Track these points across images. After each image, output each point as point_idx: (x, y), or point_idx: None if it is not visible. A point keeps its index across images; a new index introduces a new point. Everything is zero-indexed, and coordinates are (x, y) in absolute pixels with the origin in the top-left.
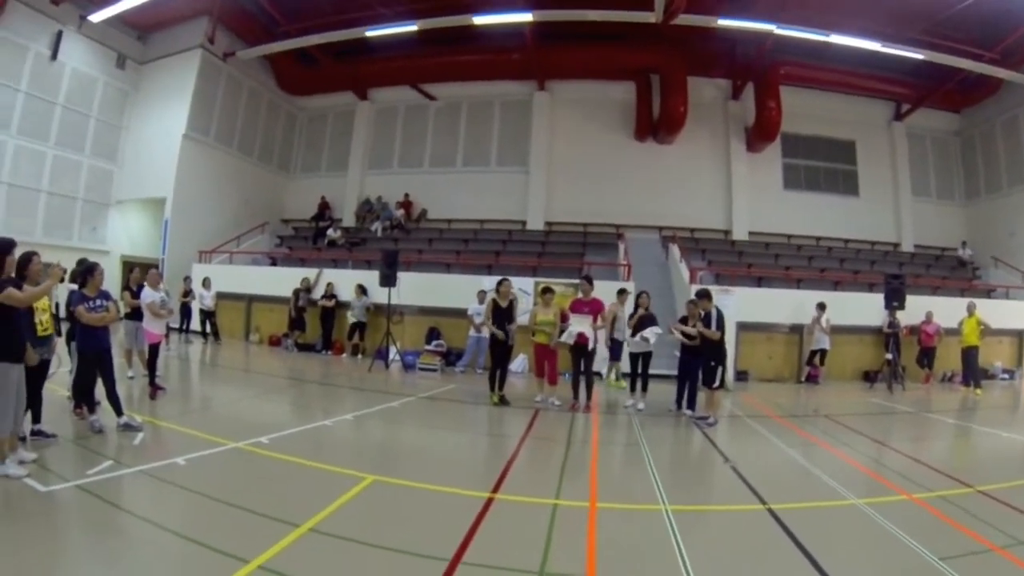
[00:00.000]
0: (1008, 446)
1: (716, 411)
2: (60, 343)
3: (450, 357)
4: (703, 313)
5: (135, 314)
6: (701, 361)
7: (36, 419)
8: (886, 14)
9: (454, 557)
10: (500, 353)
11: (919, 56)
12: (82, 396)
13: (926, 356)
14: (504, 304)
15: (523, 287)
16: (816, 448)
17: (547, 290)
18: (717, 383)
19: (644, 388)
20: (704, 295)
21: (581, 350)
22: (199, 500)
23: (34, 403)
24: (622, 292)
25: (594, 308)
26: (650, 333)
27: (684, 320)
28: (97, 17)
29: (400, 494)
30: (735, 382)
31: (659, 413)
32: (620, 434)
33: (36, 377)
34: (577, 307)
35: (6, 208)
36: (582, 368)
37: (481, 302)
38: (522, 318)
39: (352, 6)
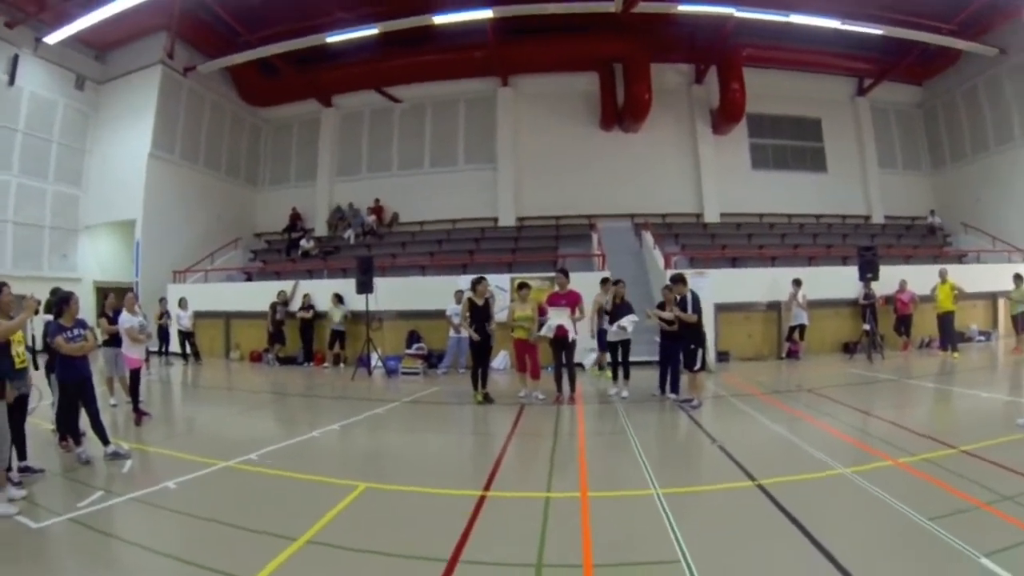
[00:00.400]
0: (988, 406)
1: (700, 393)
2: (39, 376)
3: (431, 359)
4: (679, 297)
5: (113, 341)
6: (681, 345)
7: (21, 456)
8: None
9: (452, 557)
10: (480, 351)
11: (879, 31)
12: (67, 428)
13: (903, 324)
14: (480, 302)
15: (499, 284)
16: (801, 422)
17: (523, 285)
18: (698, 365)
19: (626, 376)
20: (678, 279)
21: (561, 343)
22: (193, 522)
23: (18, 440)
24: (605, 281)
25: (571, 300)
26: (627, 322)
27: (661, 306)
28: (53, 38)
29: (393, 499)
30: (716, 363)
31: (643, 399)
32: (606, 423)
33: (17, 413)
34: (554, 300)
35: None
36: (563, 360)
37: (458, 302)
38: (500, 315)
39: (312, 13)
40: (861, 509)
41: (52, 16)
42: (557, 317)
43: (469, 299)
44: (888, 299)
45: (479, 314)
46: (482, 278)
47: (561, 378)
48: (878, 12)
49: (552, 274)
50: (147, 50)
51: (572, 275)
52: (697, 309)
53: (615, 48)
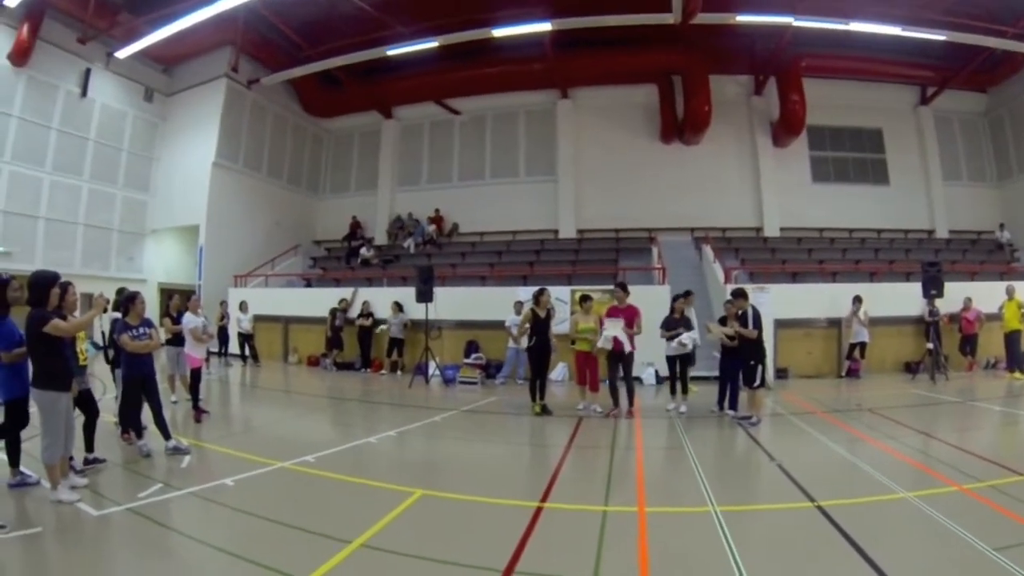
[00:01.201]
0: None
1: (759, 410)
2: (104, 370)
3: (490, 369)
4: (740, 312)
5: (176, 340)
6: (740, 361)
7: (89, 448)
8: None
9: (507, 568)
10: (539, 363)
11: (941, 37)
12: (129, 422)
13: (968, 343)
14: (543, 314)
15: (559, 296)
16: (861, 443)
17: (586, 298)
18: (758, 382)
19: (684, 391)
20: (740, 294)
21: (617, 356)
22: (249, 520)
23: (88, 432)
24: (688, 294)
25: (628, 315)
26: (687, 339)
27: (723, 320)
28: (123, 53)
29: (449, 507)
30: (775, 380)
31: (701, 415)
32: (664, 438)
33: (88, 407)
34: (612, 313)
35: (45, 241)
36: (620, 373)
37: (518, 313)
38: (561, 327)
39: (372, 27)
40: (923, 535)
41: (122, 32)
42: (612, 329)
43: (532, 310)
44: (953, 317)
45: (541, 325)
46: (544, 289)
47: (617, 391)
48: (939, 17)
49: (612, 287)
50: (212, 64)
51: (632, 288)
52: (758, 325)
53: (673, 60)
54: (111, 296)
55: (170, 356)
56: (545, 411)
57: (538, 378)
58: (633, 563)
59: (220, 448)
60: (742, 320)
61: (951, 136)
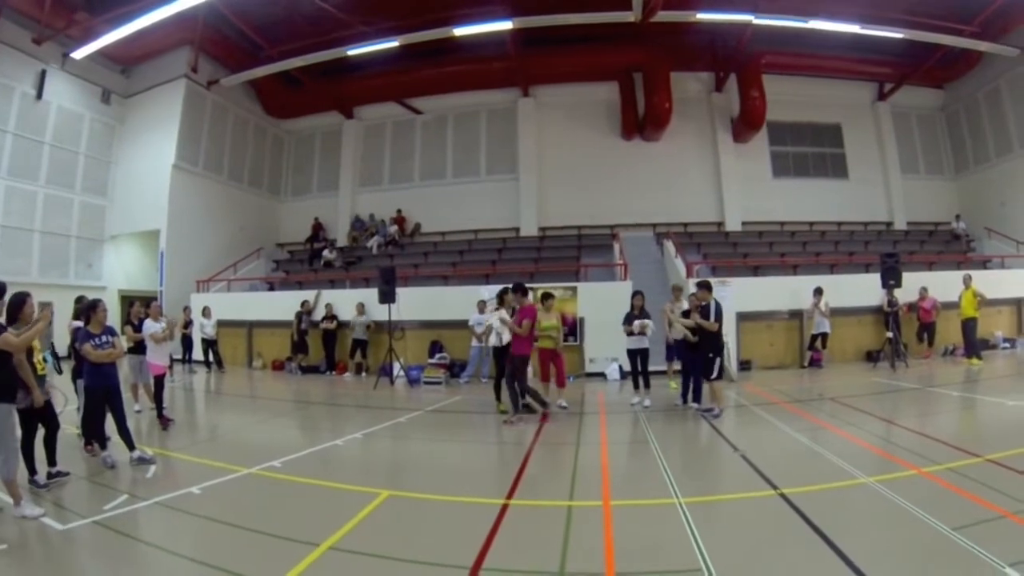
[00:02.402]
0: (1013, 414)
1: (720, 402)
2: (65, 381)
3: (454, 369)
4: (702, 304)
5: (138, 348)
6: (699, 354)
7: (51, 461)
8: None
9: (474, 564)
10: (503, 361)
11: (899, 35)
12: (92, 433)
13: (926, 331)
14: (510, 313)
15: None
16: (823, 431)
17: (548, 295)
18: (715, 374)
19: (647, 385)
20: (704, 286)
21: (502, 351)
22: (217, 527)
23: (49, 445)
24: (676, 289)
25: (522, 314)
26: (637, 326)
27: (686, 313)
28: (80, 54)
29: (416, 507)
30: (739, 372)
31: (666, 409)
32: (628, 432)
33: (48, 420)
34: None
35: (0, 249)
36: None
37: (481, 312)
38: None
39: (333, 26)
40: (884, 518)
41: (79, 32)
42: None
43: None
44: (912, 306)
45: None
46: (507, 288)
47: (515, 395)
48: (897, 16)
49: (572, 284)
50: (171, 64)
51: (595, 285)
52: (719, 318)
53: (635, 57)
54: (70, 305)
55: (132, 365)
56: (520, 410)
57: (502, 377)
58: (599, 556)
59: (186, 456)
60: (703, 312)
61: (908, 131)
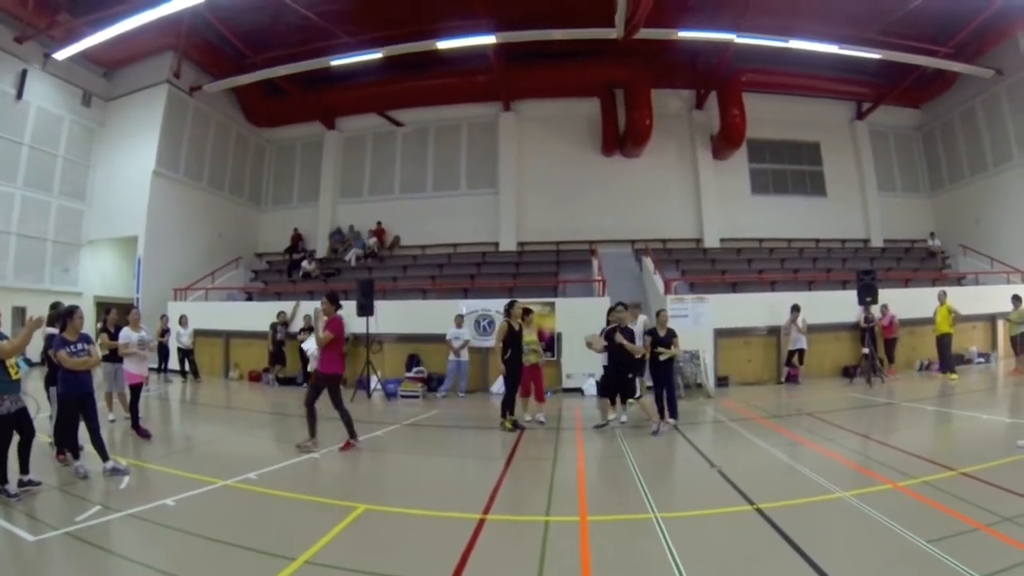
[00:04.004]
0: (988, 428)
1: (653, 418)
2: (39, 388)
3: (431, 383)
4: (621, 326)
5: (114, 356)
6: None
7: (24, 469)
8: (843, 17)
9: None
10: (515, 375)
11: (876, 56)
12: (65, 442)
13: (887, 347)
14: (517, 326)
15: (498, 309)
16: (800, 446)
17: (527, 311)
18: (639, 393)
19: (623, 401)
20: (624, 306)
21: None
22: (191, 540)
23: (24, 453)
24: (635, 306)
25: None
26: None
27: (653, 332)
28: (62, 55)
29: (392, 521)
30: (716, 388)
31: (642, 424)
32: (605, 448)
33: (23, 427)
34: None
35: None
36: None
37: (459, 326)
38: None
39: (317, 36)
40: (860, 532)
41: (61, 33)
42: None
43: (507, 322)
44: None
45: (516, 338)
46: (514, 301)
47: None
48: (875, 37)
49: (552, 299)
50: (154, 69)
51: (573, 300)
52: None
53: (616, 74)
54: (45, 310)
55: (107, 373)
56: (516, 426)
57: (513, 392)
58: (576, 571)
59: (160, 467)
60: (626, 333)
61: (886, 149)
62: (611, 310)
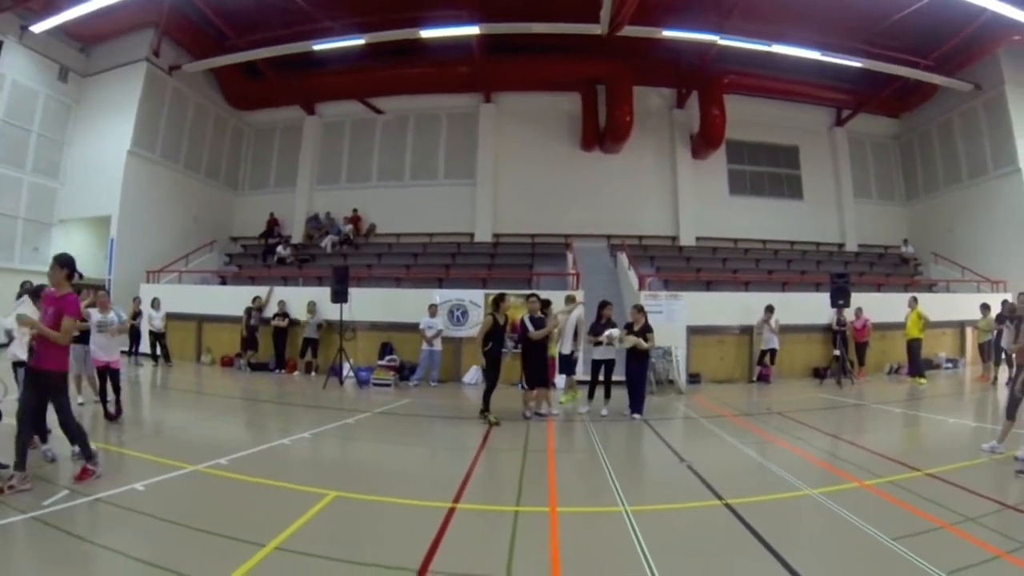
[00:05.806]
0: (954, 431)
1: (552, 406)
2: (5, 369)
3: (404, 372)
4: (534, 316)
5: (83, 337)
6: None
7: None
8: (827, 25)
9: (421, 567)
10: (496, 370)
11: (858, 64)
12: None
13: (858, 351)
14: (503, 321)
15: (472, 299)
16: (769, 444)
17: (502, 297)
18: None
19: (607, 395)
20: (536, 298)
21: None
22: (161, 525)
23: None
24: (570, 299)
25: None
26: (615, 332)
27: (630, 326)
28: (39, 28)
29: (363, 509)
30: (688, 384)
31: (613, 419)
32: (576, 441)
33: None
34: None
35: None
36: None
37: (433, 315)
38: (473, 330)
39: (300, 19)
40: (827, 529)
41: (39, 5)
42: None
43: (491, 317)
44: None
45: (500, 334)
46: (504, 295)
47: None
48: (858, 45)
49: (525, 292)
50: (133, 46)
51: (547, 293)
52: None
53: (599, 69)
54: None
55: (76, 355)
56: (497, 422)
57: (494, 386)
58: (545, 561)
59: (130, 452)
60: (536, 323)
61: (863, 156)
62: (603, 305)
